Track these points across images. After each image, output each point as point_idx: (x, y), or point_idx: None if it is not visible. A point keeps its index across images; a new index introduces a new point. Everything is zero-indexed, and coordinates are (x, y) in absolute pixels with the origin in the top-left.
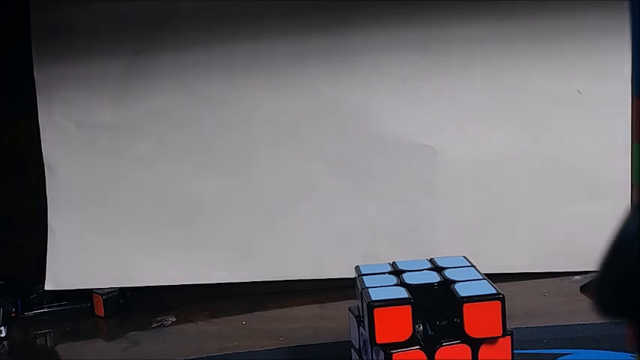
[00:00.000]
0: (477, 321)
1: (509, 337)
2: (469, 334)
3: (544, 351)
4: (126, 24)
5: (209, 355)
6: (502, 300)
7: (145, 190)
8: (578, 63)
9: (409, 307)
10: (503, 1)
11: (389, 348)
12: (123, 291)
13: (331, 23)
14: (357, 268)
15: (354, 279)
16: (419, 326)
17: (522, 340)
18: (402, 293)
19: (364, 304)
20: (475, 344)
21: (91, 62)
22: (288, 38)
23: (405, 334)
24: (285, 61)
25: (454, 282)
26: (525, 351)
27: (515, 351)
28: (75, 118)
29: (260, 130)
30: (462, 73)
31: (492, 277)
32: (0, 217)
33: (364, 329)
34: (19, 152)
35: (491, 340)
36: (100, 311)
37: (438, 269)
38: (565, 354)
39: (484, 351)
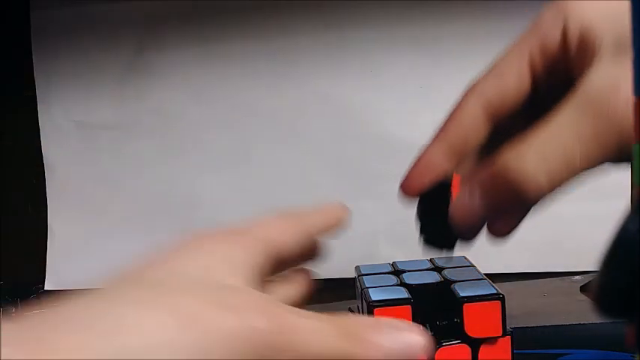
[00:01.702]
0: (477, 321)
1: (509, 337)
2: (469, 334)
3: (544, 351)
4: (126, 24)
5: None
6: (502, 300)
7: (145, 190)
8: None
9: (409, 307)
10: (503, 1)
11: None
12: None
13: (331, 23)
14: (357, 268)
15: (354, 279)
16: None
17: (522, 340)
18: (402, 293)
19: (364, 304)
20: (475, 344)
21: (91, 62)
22: (288, 38)
23: None
24: (286, 60)
25: (454, 282)
26: (525, 351)
27: (515, 351)
28: (75, 118)
29: (260, 130)
30: (462, 73)
31: (492, 277)
32: (0, 217)
33: None
34: (19, 152)
35: (491, 340)
36: None
37: (437, 269)
38: (565, 354)
39: (484, 351)
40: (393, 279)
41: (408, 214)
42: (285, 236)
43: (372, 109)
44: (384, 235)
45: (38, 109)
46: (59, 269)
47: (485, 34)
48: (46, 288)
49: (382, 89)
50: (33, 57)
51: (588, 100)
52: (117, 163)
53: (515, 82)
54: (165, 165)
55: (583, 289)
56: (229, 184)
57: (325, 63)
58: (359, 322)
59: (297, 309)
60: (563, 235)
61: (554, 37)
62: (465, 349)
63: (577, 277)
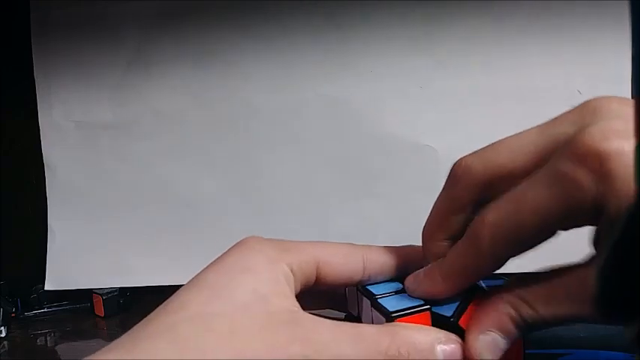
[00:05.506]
0: None
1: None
2: None
3: (544, 351)
4: (126, 23)
5: None
6: None
7: (145, 190)
8: (578, 63)
9: (428, 313)
10: (503, 1)
11: None
12: (123, 291)
13: (331, 23)
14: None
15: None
16: None
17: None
18: (414, 300)
19: (374, 314)
20: None
21: (91, 62)
22: (288, 38)
23: None
24: (286, 60)
25: None
26: (526, 351)
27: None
28: (75, 118)
29: (260, 130)
30: (462, 73)
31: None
32: (0, 217)
33: None
34: (19, 152)
35: None
36: (100, 311)
37: None
38: (565, 354)
39: None
40: (396, 284)
41: (407, 214)
42: (328, 251)
43: (372, 109)
44: (385, 235)
45: (38, 109)
46: (59, 269)
47: (485, 34)
48: (46, 288)
49: (382, 89)
50: (33, 57)
51: None
52: (117, 163)
53: None
54: (165, 165)
55: None
56: (229, 184)
57: (325, 63)
58: (415, 329)
59: (336, 323)
60: (564, 234)
61: None
62: None
63: None
